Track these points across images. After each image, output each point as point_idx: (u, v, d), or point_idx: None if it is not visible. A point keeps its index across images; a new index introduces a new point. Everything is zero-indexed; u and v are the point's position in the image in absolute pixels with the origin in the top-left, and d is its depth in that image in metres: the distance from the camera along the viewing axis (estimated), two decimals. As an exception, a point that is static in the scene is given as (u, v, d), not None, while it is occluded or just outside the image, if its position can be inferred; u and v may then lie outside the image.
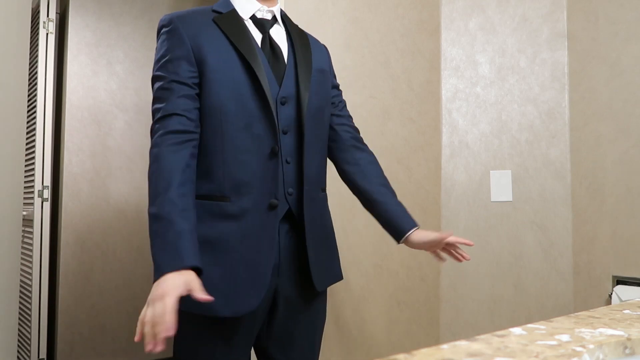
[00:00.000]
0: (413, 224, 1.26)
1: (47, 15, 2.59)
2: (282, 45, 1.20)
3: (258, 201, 1.09)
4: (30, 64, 2.67)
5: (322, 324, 1.27)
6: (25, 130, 1.78)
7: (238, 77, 1.10)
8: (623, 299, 1.70)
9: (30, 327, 2.48)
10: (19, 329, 2.65)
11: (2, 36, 1.48)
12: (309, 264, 1.16)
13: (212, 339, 1.10)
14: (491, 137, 2.03)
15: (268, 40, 1.18)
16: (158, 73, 1.11)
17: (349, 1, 1.90)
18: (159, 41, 1.15)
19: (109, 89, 2.87)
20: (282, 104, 1.15)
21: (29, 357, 2.46)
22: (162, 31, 1.15)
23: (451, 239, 1.20)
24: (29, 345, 2.47)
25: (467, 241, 1.19)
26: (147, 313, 0.96)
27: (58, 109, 2.85)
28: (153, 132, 1.08)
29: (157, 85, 1.11)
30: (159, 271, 0.97)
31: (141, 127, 2.96)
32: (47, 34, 2.58)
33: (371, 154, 1.38)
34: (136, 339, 0.97)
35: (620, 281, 1.74)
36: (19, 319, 2.63)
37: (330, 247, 1.26)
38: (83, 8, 2.80)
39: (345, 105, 1.41)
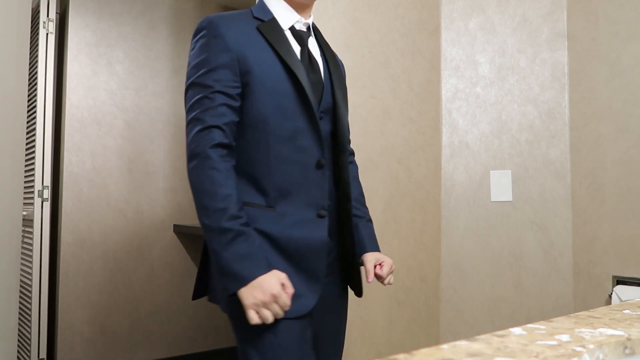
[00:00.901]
0: (372, 249, 1.29)
1: (47, 15, 2.59)
2: (318, 59, 1.20)
3: (304, 211, 1.10)
4: (30, 64, 2.67)
5: (346, 325, 1.31)
6: (25, 130, 1.78)
7: (284, 89, 1.08)
8: (623, 299, 1.70)
9: (30, 327, 2.48)
10: (19, 329, 2.66)
11: (2, 36, 1.48)
12: (359, 272, 1.21)
13: (292, 334, 1.09)
14: (491, 137, 2.03)
15: (307, 53, 1.16)
16: (199, 81, 1.06)
17: (349, 1, 1.90)
18: (199, 44, 1.09)
19: (109, 89, 2.87)
20: (320, 118, 1.15)
21: (29, 357, 2.46)
22: (202, 34, 1.09)
23: (370, 278, 1.22)
24: (29, 345, 2.47)
25: (369, 278, 1.21)
26: (264, 305, 0.99)
27: (58, 109, 2.85)
28: (194, 142, 1.03)
29: (197, 94, 1.05)
30: (244, 279, 0.98)
31: (141, 127, 2.97)
32: (47, 34, 2.58)
33: (356, 167, 1.39)
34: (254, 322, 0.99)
35: (620, 281, 1.74)
36: (19, 319, 2.63)
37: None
38: (83, 8, 2.80)
39: None
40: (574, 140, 1.89)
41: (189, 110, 1.06)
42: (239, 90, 1.07)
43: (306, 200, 1.11)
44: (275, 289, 0.99)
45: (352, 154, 1.40)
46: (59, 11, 2.82)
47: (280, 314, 1.01)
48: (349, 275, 1.23)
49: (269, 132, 1.08)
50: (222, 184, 1.01)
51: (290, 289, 1.01)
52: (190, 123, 1.05)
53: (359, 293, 1.24)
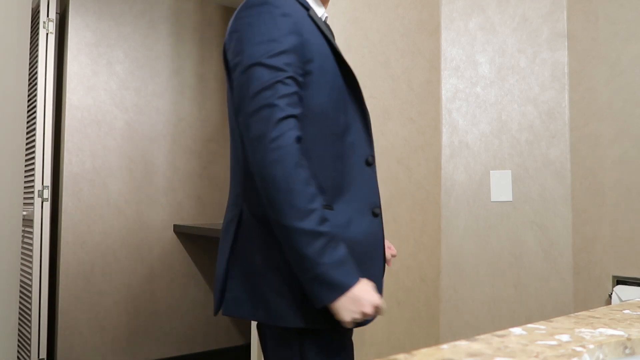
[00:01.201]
0: None
1: (47, 15, 2.59)
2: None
3: (360, 209, 1.04)
4: (30, 64, 2.67)
5: None
6: (25, 130, 1.78)
7: (339, 82, 1.02)
8: (623, 299, 1.70)
9: (30, 327, 2.48)
10: (19, 329, 2.66)
11: (2, 36, 1.48)
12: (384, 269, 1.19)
13: (350, 347, 1.05)
14: (491, 137, 2.03)
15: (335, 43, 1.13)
16: (271, 63, 0.92)
17: (349, 1, 1.90)
18: (261, 18, 0.95)
19: (109, 89, 2.87)
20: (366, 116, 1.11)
21: (29, 357, 2.46)
22: (265, 7, 0.96)
23: (389, 263, 1.20)
24: (29, 345, 2.47)
25: (389, 263, 1.18)
26: (363, 316, 0.92)
27: (58, 109, 2.85)
28: (277, 132, 0.90)
29: (269, 76, 0.92)
30: (342, 288, 0.90)
31: (141, 127, 2.97)
32: (47, 34, 2.58)
33: None
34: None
35: (620, 281, 1.74)
36: (19, 319, 2.63)
37: None
38: (83, 8, 2.80)
39: None
40: (574, 140, 1.89)
41: (258, 93, 0.92)
42: (303, 79, 0.97)
43: (361, 199, 1.04)
44: (377, 299, 0.93)
45: None
46: (59, 11, 2.82)
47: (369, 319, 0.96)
48: None
49: (326, 127, 1.00)
50: (309, 183, 0.91)
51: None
52: (263, 109, 0.91)
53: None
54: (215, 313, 1.05)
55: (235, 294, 1.02)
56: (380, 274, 1.07)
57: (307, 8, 1.04)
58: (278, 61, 0.93)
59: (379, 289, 1.06)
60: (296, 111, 0.93)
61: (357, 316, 0.91)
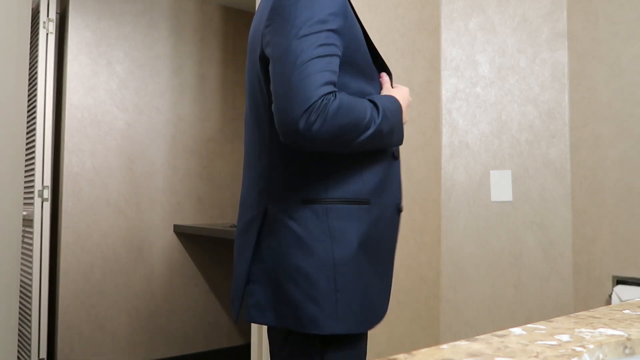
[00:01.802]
0: None
1: (47, 15, 2.59)
2: None
3: (389, 204, 1.01)
4: (30, 64, 2.67)
5: None
6: (25, 130, 1.78)
7: (372, 72, 1.02)
8: (623, 299, 1.70)
9: (30, 327, 2.48)
10: (19, 329, 2.66)
11: (2, 36, 1.48)
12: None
13: (365, 349, 1.03)
14: (491, 137, 2.03)
15: None
16: (322, 40, 0.89)
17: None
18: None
19: (109, 89, 2.87)
20: None
21: (29, 357, 2.46)
22: None
23: None
24: (29, 345, 2.47)
25: None
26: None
27: (58, 109, 2.85)
28: (324, 90, 0.86)
29: (322, 48, 0.88)
30: (399, 111, 0.98)
31: (141, 127, 2.97)
32: (47, 34, 2.58)
33: None
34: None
35: (620, 281, 1.74)
36: (19, 319, 2.63)
37: None
38: (83, 8, 2.80)
39: None
40: (574, 140, 1.89)
41: (311, 58, 0.87)
42: (339, 60, 0.94)
43: (392, 194, 1.02)
44: (404, 89, 1.03)
45: None
46: (59, 11, 2.82)
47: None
48: None
49: None
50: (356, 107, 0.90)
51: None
52: (319, 73, 0.87)
53: None
54: (236, 320, 1.00)
55: (258, 299, 0.96)
56: (392, 259, 1.05)
57: None
58: (329, 39, 0.89)
59: (391, 281, 1.04)
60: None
61: (410, 103, 1.03)
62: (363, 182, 0.96)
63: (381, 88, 1.05)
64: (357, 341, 0.97)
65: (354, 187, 0.95)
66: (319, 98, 0.84)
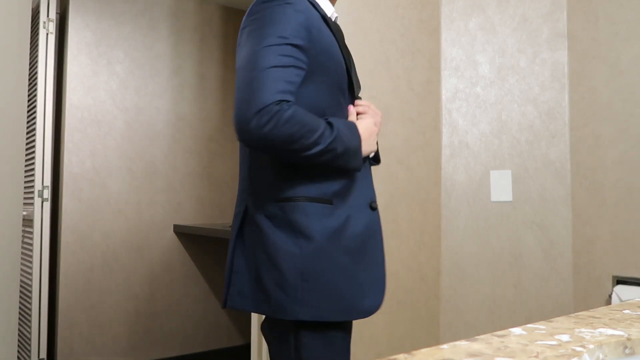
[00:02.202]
0: None
1: (47, 15, 2.59)
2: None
3: (358, 204, 1.07)
4: (30, 64, 2.67)
5: None
6: (25, 130, 1.78)
7: (342, 84, 1.08)
8: (623, 299, 1.70)
9: (30, 327, 2.48)
10: (19, 329, 2.66)
11: (2, 36, 1.48)
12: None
13: (346, 341, 1.06)
14: (491, 137, 2.03)
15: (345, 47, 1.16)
16: (277, 51, 0.96)
17: (349, 1, 1.90)
18: (277, 10, 0.99)
19: (109, 89, 2.87)
20: None
21: (29, 357, 2.46)
22: (282, 1, 1.00)
23: None
24: (29, 345, 2.47)
25: None
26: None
27: (58, 109, 2.85)
28: (274, 106, 0.93)
29: (274, 59, 0.96)
30: (357, 138, 1.03)
31: (141, 127, 2.97)
32: (47, 34, 2.58)
33: None
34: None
35: (620, 281, 1.74)
36: (19, 319, 2.63)
37: None
38: (83, 8, 2.80)
39: None
40: (574, 140, 1.89)
41: (271, 66, 0.95)
42: (304, 73, 1.00)
43: (360, 194, 1.08)
44: (369, 120, 1.08)
45: None
46: (59, 11, 2.82)
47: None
48: None
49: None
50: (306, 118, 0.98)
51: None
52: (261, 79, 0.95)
53: None
54: (223, 306, 1.08)
55: (239, 287, 1.05)
56: (382, 261, 1.09)
57: (317, 9, 1.07)
58: (285, 50, 0.97)
59: (383, 276, 1.07)
60: (290, 97, 0.97)
61: (376, 139, 1.09)
62: (328, 185, 1.03)
63: (342, 109, 1.10)
64: (330, 329, 1.01)
65: (319, 188, 1.03)
66: (273, 103, 0.92)
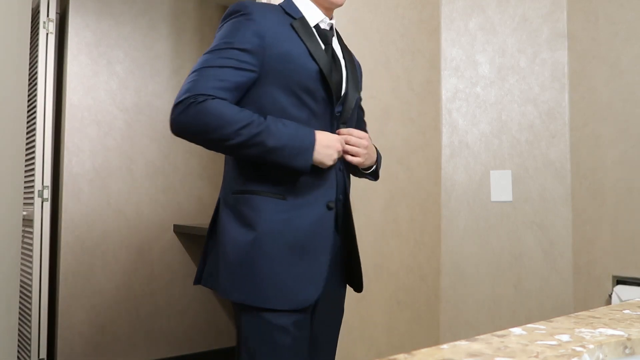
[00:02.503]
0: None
1: (47, 15, 2.59)
2: (340, 59, 1.22)
3: (315, 202, 1.12)
4: (30, 64, 2.67)
5: (341, 323, 1.32)
6: (25, 130, 1.78)
7: (309, 85, 1.11)
8: (623, 299, 1.70)
9: (30, 327, 2.48)
10: (19, 329, 2.66)
11: (2, 36, 1.48)
12: (360, 266, 1.22)
13: (288, 331, 1.10)
14: (491, 137, 2.03)
15: (331, 51, 1.19)
16: (217, 54, 1.07)
17: (349, 1, 1.90)
18: (229, 24, 1.10)
19: (109, 89, 2.87)
20: (336, 118, 1.18)
21: (29, 357, 2.46)
22: (235, 16, 1.10)
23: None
24: (29, 345, 2.47)
25: None
26: (339, 154, 1.10)
27: (58, 109, 2.85)
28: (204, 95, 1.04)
29: (209, 61, 1.07)
30: (310, 143, 1.06)
31: (141, 127, 2.96)
32: (47, 34, 2.58)
33: None
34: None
35: (620, 281, 1.74)
36: (19, 319, 2.63)
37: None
38: (83, 8, 2.80)
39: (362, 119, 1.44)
40: (574, 140, 1.88)
41: (205, 67, 1.06)
42: (253, 75, 1.08)
43: (316, 192, 1.12)
44: (335, 135, 1.10)
45: None
46: (59, 11, 2.81)
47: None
48: (349, 271, 1.24)
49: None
50: (216, 112, 1.04)
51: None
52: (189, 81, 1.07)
53: (358, 288, 1.25)
54: (195, 283, 1.21)
55: (209, 267, 1.18)
56: (325, 260, 1.12)
57: (292, 17, 1.14)
58: (226, 53, 1.06)
59: (323, 273, 1.11)
60: (218, 94, 1.05)
61: (337, 156, 1.09)
62: (282, 182, 1.11)
63: (312, 111, 1.13)
64: (261, 313, 1.08)
65: (273, 184, 1.11)
66: (192, 95, 1.02)
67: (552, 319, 0.70)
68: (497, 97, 2.03)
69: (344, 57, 1.24)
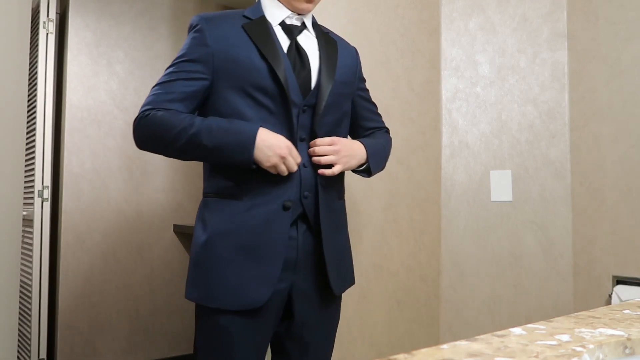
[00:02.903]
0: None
1: (47, 15, 2.59)
2: (310, 52, 1.21)
3: (271, 201, 1.12)
4: (30, 64, 2.67)
5: (336, 326, 1.29)
6: (25, 130, 1.78)
7: (262, 83, 1.12)
8: (623, 299, 1.70)
9: (30, 327, 2.47)
10: (19, 329, 2.65)
11: (2, 36, 1.48)
12: (327, 267, 1.18)
13: (230, 329, 1.11)
14: (491, 137, 2.03)
15: (294, 46, 1.18)
16: (171, 69, 1.16)
17: (349, 1, 1.90)
18: (186, 40, 1.18)
19: (109, 89, 2.87)
20: (303, 111, 1.16)
21: (29, 357, 2.46)
22: (190, 31, 1.18)
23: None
24: (29, 345, 2.47)
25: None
26: (282, 160, 1.09)
27: (58, 109, 2.85)
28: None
29: (164, 77, 1.16)
30: (249, 138, 1.07)
31: (141, 127, 2.96)
32: (47, 34, 2.58)
33: (387, 136, 1.42)
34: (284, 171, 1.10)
35: (620, 281, 1.74)
36: (19, 319, 2.63)
37: (347, 253, 1.28)
38: (83, 8, 2.80)
39: (373, 110, 1.43)
40: (574, 140, 1.88)
41: (157, 84, 1.15)
42: (205, 82, 1.13)
43: (272, 192, 1.12)
44: (286, 141, 1.09)
45: (381, 129, 1.42)
46: (59, 11, 2.81)
47: (295, 167, 1.09)
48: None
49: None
50: (164, 121, 1.10)
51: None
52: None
53: (335, 289, 1.20)
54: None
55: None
56: (278, 266, 1.11)
57: (249, 19, 1.18)
58: (177, 67, 1.14)
59: (274, 274, 1.10)
60: (171, 106, 1.12)
61: (276, 160, 1.07)
62: (238, 182, 1.12)
63: (269, 109, 1.14)
64: (212, 313, 1.10)
65: (229, 185, 1.13)
66: (143, 112, 1.11)
67: (552, 319, 0.70)
68: (497, 97, 2.03)
69: (320, 49, 1.22)
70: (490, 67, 2.04)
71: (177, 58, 1.16)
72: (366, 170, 1.28)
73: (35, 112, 2.56)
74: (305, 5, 1.20)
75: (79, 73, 2.78)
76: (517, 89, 1.99)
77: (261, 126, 1.10)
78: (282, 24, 1.20)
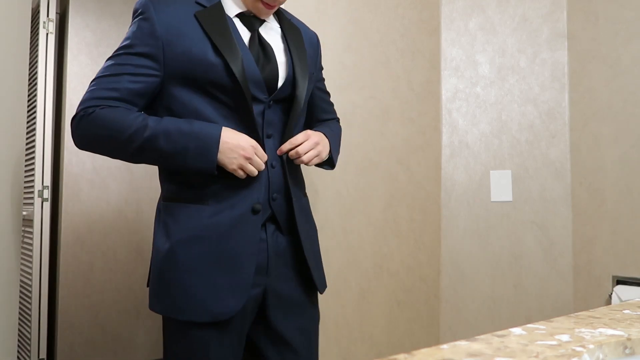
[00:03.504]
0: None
1: (47, 15, 2.59)
2: (274, 44, 1.13)
3: (239, 205, 1.04)
4: (30, 64, 2.67)
5: (317, 327, 1.24)
6: (25, 130, 1.78)
7: (217, 79, 1.03)
8: (623, 299, 1.70)
9: (30, 327, 2.47)
10: (19, 329, 2.65)
11: (2, 36, 1.48)
12: (309, 266, 1.14)
13: (202, 342, 1.05)
14: (491, 137, 2.03)
15: (257, 38, 1.10)
16: (116, 61, 1.03)
17: (349, 1, 1.90)
18: (131, 26, 1.05)
19: (109, 89, 2.87)
20: (269, 107, 1.08)
21: (29, 357, 2.46)
22: (135, 15, 1.05)
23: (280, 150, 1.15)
24: (29, 345, 2.47)
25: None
26: (247, 161, 1.01)
27: (58, 109, 2.85)
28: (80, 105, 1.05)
29: (108, 69, 1.03)
30: (212, 140, 0.98)
31: (141, 127, 2.97)
32: (47, 34, 2.58)
33: (338, 126, 1.37)
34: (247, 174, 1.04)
35: (620, 281, 1.74)
36: (19, 319, 2.63)
37: (318, 252, 1.23)
38: (83, 8, 2.80)
39: (324, 96, 1.37)
40: (574, 140, 1.89)
41: (97, 77, 1.04)
42: (155, 80, 1.03)
43: (243, 195, 1.05)
44: (251, 140, 1.01)
45: (334, 120, 1.37)
46: (59, 11, 2.81)
47: (262, 166, 1.02)
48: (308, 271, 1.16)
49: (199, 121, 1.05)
50: (115, 120, 1.01)
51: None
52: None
53: (318, 288, 1.17)
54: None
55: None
56: (250, 272, 1.04)
57: (203, 6, 1.06)
58: (124, 59, 1.02)
59: (245, 281, 1.03)
60: (112, 100, 1.02)
61: (242, 161, 0.99)
62: (202, 187, 1.04)
63: (230, 108, 1.05)
64: (178, 327, 1.04)
65: (194, 190, 1.04)
66: (83, 108, 1.00)
67: (552, 319, 0.70)
68: (497, 97, 2.03)
69: (285, 41, 1.14)
70: (490, 67, 2.04)
71: (121, 48, 1.03)
72: (329, 162, 1.23)
73: (35, 112, 2.56)
74: (265, 12, 1.10)
75: (79, 73, 2.78)
76: (517, 89, 1.99)
77: (224, 127, 1.01)
78: (241, 15, 1.11)
